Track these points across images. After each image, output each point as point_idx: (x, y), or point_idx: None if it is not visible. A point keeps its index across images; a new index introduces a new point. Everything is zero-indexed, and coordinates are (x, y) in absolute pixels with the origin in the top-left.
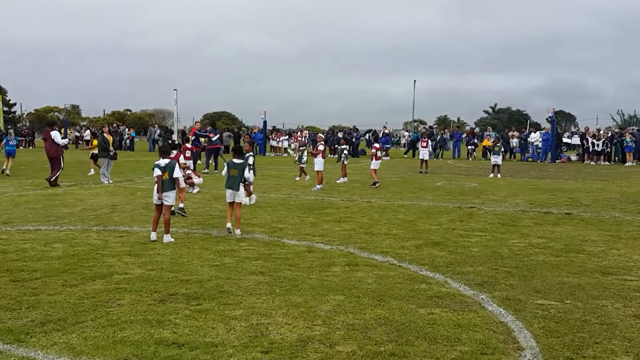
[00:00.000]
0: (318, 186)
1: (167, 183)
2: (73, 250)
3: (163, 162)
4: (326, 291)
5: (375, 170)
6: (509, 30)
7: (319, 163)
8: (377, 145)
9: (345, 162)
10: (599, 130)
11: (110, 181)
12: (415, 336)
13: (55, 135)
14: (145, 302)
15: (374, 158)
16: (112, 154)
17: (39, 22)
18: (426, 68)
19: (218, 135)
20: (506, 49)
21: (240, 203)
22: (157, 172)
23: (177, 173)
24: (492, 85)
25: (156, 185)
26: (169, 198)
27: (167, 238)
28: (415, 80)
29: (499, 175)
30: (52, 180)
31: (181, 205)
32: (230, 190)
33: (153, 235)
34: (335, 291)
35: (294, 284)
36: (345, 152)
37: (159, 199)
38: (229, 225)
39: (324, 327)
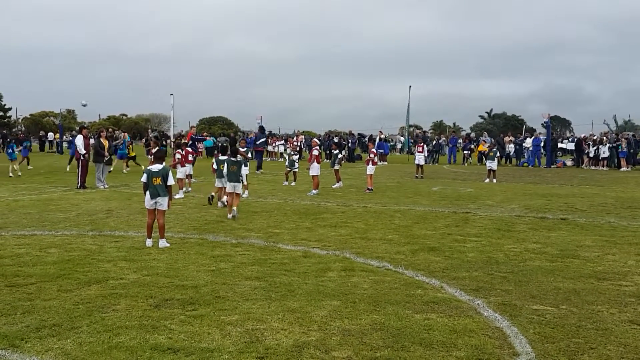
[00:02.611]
0: (314, 191)
1: (161, 188)
2: (68, 255)
3: (156, 167)
4: (322, 296)
5: (370, 175)
6: (505, 35)
7: (314, 168)
8: (374, 150)
9: (337, 167)
10: (604, 134)
11: (106, 186)
12: (411, 342)
13: (77, 140)
14: (141, 308)
15: (370, 163)
16: (107, 158)
17: (35, 26)
18: (422, 73)
19: (263, 139)
20: (502, 55)
21: (239, 194)
22: (144, 178)
23: (171, 180)
24: (488, 90)
25: (144, 190)
26: (163, 203)
27: (162, 243)
28: (410, 85)
29: (494, 181)
30: (78, 187)
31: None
32: (231, 184)
33: (149, 242)
34: (331, 296)
35: (290, 289)
36: (340, 156)
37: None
38: (234, 211)
39: (320, 332)
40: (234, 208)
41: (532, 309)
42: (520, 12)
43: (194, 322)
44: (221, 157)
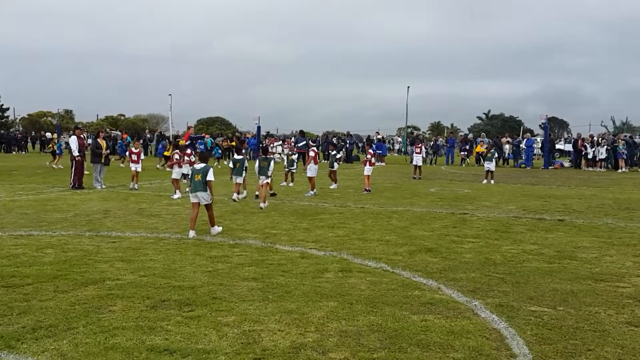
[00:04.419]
0: (311, 192)
1: (199, 184)
2: (65, 255)
3: (199, 165)
4: (319, 297)
5: (368, 176)
6: (504, 36)
7: (311, 169)
8: (371, 151)
9: (334, 169)
10: (602, 135)
11: (103, 186)
12: (408, 343)
13: (71, 141)
14: (137, 309)
15: (367, 164)
16: (104, 158)
17: (32, 26)
18: (421, 74)
19: (304, 142)
20: (500, 56)
21: (268, 183)
22: (190, 175)
23: (210, 176)
24: (486, 91)
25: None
26: (204, 197)
27: (214, 230)
28: (409, 86)
29: (492, 182)
30: (72, 186)
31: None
32: (261, 177)
33: (191, 233)
34: (328, 297)
35: (287, 290)
36: (338, 157)
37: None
38: (262, 205)
39: (317, 333)
40: (261, 202)
41: (529, 311)
42: (519, 13)
43: (191, 323)
44: (236, 157)
